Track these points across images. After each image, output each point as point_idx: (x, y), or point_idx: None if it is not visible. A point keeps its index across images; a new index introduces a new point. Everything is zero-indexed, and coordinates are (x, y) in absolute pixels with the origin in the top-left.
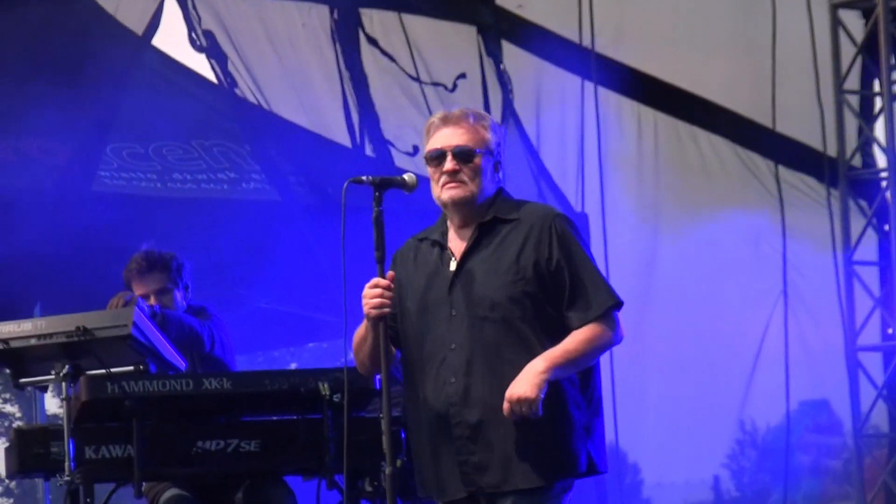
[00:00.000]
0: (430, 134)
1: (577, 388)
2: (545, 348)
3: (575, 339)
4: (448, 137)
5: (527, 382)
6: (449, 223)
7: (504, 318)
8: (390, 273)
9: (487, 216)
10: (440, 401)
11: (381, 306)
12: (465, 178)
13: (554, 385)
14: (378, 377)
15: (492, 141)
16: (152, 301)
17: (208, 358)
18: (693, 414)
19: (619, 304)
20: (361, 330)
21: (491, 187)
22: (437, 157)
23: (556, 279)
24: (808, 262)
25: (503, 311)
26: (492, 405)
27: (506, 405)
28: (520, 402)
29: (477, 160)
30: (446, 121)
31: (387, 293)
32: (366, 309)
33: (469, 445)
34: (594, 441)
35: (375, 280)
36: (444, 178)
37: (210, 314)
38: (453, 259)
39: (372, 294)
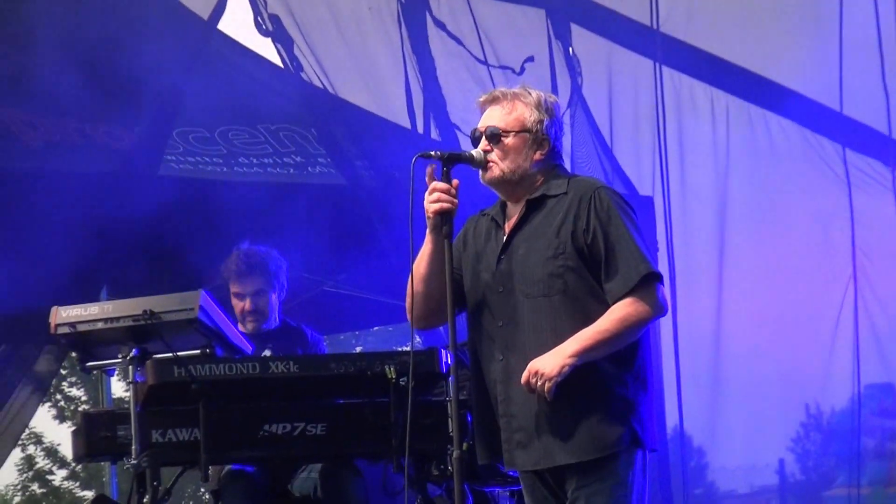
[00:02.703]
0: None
1: (617, 364)
2: (593, 321)
3: (609, 319)
4: (484, 119)
5: (552, 361)
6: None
7: (546, 294)
8: (455, 181)
9: (537, 193)
10: (489, 377)
11: (438, 200)
12: (496, 159)
13: (597, 366)
14: (444, 360)
15: (530, 119)
16: (248, 304)
17: None
18: (758, 397)
19: (654, 275)
20: (425, 245)
21: (533, 165)
22: (475, 139)
23: (592, 250)
24: (875, 246)
25: (545, 288)
26: None
27: (525, 374)
28: (538, 375)
29: (507, 140)
30: (486, 101)
31: (444, 187)
32: (426, 210)
33: (513, 422)
34: (639, 416)
35: (433, 184)
36: None
37: (310, 341)
38: (504, 236)
39: (430, 193)
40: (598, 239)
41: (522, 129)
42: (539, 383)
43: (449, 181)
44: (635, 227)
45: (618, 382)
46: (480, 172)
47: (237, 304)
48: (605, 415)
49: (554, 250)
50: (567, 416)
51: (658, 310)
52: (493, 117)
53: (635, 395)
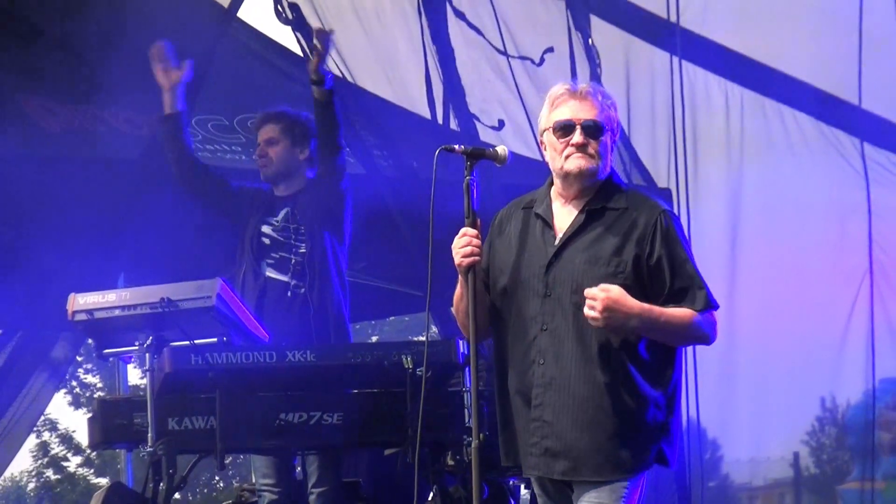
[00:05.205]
0: (555, 105)
1: (655, 385)
2: (638, 339)
3: (680, 313)
4: (577, 110)
5: (625, 310)
6: (553, 196)
7: None
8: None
9: (596, 201)
10: (526, 380)
11: (470, 254)
12: (592, 153)
13: (637, 386)
14: (460, 351)
15: (615, 121)
16: (258, 151)
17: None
18: (773, 390)
19: (716, 307)
20: (459, 288)
21: (608, 167)
22: (565, 128)
23: (654, 275)
24: (893, 240)
25: None
26: (575, 393)
27: (594, 292)
28: (601, 302)
29: (604, 137)
30: (574, 93)
31: (475, 241)
32: (456, 259)
33: (544, 428)
34: (670, 437)
35: (464, 230)
36: (570, 150)
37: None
38: (556, 238)
39: (461, 243)
40: (662, 266)
41: (612, 130)
42: (596, 313)
43: (472, 174)
44: (692, 255)
45: (654, 405)
46: (564, 160)
47: None
48: (638, 438)
49: (615, 268)
50: (602, 434)
51: (710, 338)
52: (587, 110)
53: (668, 416)
